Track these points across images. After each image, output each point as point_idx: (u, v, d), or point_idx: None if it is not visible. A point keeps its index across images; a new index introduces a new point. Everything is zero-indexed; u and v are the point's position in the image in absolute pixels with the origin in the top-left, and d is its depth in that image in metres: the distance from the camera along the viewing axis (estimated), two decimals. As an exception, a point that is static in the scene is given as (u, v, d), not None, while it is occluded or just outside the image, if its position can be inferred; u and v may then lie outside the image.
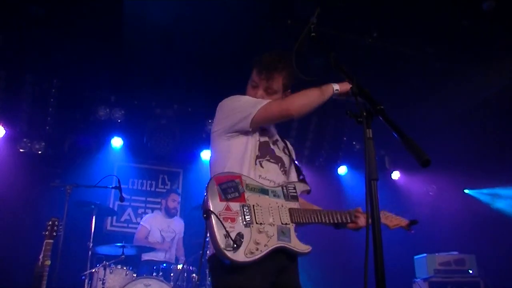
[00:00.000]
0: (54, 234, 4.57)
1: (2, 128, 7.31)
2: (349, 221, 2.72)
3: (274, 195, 2.60)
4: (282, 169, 2.82)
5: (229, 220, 2.35)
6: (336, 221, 2.70)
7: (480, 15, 5.77)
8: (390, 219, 2.88)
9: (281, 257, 2.50)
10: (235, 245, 2.26)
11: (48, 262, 4.45)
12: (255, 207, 2.48)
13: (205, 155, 8.55)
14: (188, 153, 8.64)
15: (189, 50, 6.68)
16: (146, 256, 6.63)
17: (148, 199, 8.53)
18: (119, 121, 7.93)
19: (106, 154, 8.20)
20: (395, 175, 9.37)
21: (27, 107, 7.49)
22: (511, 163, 7.87)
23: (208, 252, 2.65)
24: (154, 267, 6.14)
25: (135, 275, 5.84)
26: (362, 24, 6.18)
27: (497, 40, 6.22)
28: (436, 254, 7.16)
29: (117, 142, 8.18)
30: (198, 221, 6.97)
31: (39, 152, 7.71)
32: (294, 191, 2.70)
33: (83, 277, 5.71)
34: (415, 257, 7.43)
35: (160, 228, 6.91)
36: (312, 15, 2.41)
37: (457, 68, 6.89)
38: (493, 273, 7.18)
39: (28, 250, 5.58)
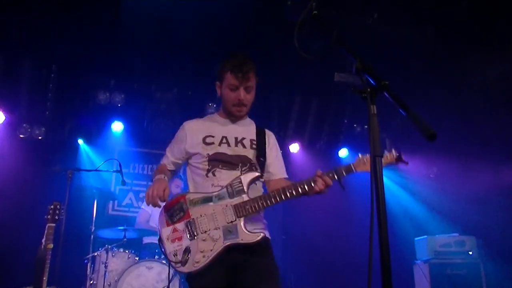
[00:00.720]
0: (56, 218, 4.58)
1: (2, 114, 7.29)
2: (307, 190, 2.76)
3: (219, 199, 2.79)
4: (244, 168, 2.94)
5: (176, 240, 2.75)
6: (291, 196, 2.75)
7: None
8: (368, 163, 2.85)
9: (234, 255, 2.70)
10: (182, 261, 2.66)
11: (51, 246, 4.47)
12: (198, 219, 2.75)
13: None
14: (188, 137, 8.63)
15: (189, 33, 6.64)
16: (147, 239, 6.64)
17: (149, 183, 8.43)
18: (119, 105, 7.91)
19: (107, 139, 8.20)
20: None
21: (27, 93, 7.47)
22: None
23: None
24: (156, 250, 6.15)
25: (137, 258, 5.87)
26: (362, 6, 6.13)
27: (498, 21, 6.17)
28: (437, 236, 7.19)
29: (117, 126, 8.17)
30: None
31: (39, 138, 7.71)
32: (239, 185, 2.82)
33: (85, 261, 5.75)
34: (416, 239, 7.45)
35: (161, 211, 6.92)
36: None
37: (459, 49, 6.85)
38: (493, 255, 7.21)
39: (31, 234, 5.59)
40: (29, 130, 7.66)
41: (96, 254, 5.76)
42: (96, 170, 5.83)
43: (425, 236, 7.23)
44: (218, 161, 2.93)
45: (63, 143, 7.95)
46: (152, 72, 7.67)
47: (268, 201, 2.76)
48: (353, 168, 2.87)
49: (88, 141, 8.07)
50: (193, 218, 2.77)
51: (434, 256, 6.99)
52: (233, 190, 2.80)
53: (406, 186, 8.93)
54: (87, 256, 5.73)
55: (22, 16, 6.32)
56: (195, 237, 2.70)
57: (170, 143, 3.21)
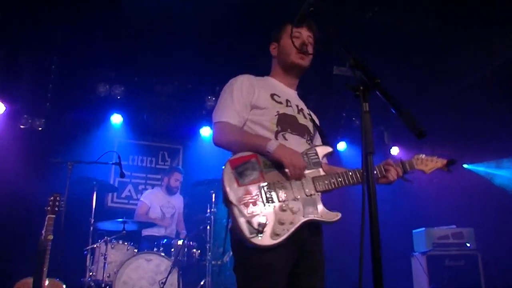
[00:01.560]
0: (56, 209, 4.62)
1: (2, 104, 7.31)
2: (379, 176, 2.66)
3: None
4: (307, 137, 2.72)
5: (250, 205, 2.30)
6: (357, 181, 2.57)
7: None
8: (425, 163, 2.79)
9: (304, 231, 2.41)
10: (259, 231, 2.23)
11: (51, 237, 4.51)
12: (275, 185, 2.40)
13: (205, 131, 8.59)
14: (188, 130, 8.66)
15: (189, 26, 6.63)
16: (146, 232, 6.70)
17: (149, 175, 8.58)
18: (118, 97, 7.92)
19: (106, 131, 8.23)
20: (394, 150, 9.39)
21: (27, 84, 7.48)
22: (509, 138, 7.89)
23: (230, 223, 2.53)
24: (155, 243, 6.21)
25: (136, 250, 5.92)
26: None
27: (499, 14, 6.16)
28: (435, 228, 7.23)
29: (117, 118, 8.19)
30: (198, 197, 7.06)
31: (40, 129, 7.73)
32: (315, 157, 2.58)
33: (85, 252, 5.79)
34: (414, 231, 7.49)
35: (160, 204, 6.96)
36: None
37: (459, 42, 6.84)
38: (490, 246, 7.26)
39: (31, 225, 5.64)
40: (29, 121, 7.67)
41: (95, 246, 5.81)
42: (95, 162, 5.86)
43: (423, 228, 7.28)
44: (287, 123, 2.65)
45: (63, 134, 7.97)
46: (152, 65, 7.66)
47: (346, 180, 2.53)
48: (414, 165, 2.78)
49: (87, 133, 8.09)
50: (269, 183, 2.39)
51: (432, 248, 7.03)
52: (310, 160, 2.53)
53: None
54: (87, 248, 5.77)
55: (24, 8, 6.31)
56: (272, 206, 2.33)
57: (225, 101, 2.68)
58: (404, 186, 8.89)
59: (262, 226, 2.24)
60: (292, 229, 2.30)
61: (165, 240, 6.30)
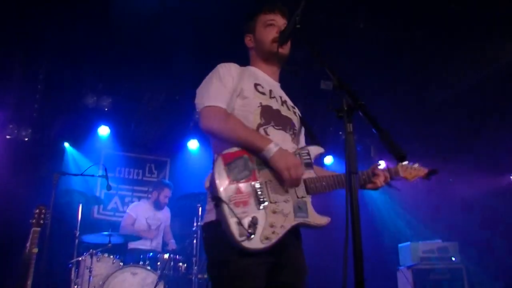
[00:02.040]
0: (41, 222, 4.59)
1: (-12, 114, 7.27)
2: (367, 181, 2.60)
3: None
4: (291, 132, 2.58)
5: (241, 205, 2.13)
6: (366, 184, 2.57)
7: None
8: (409, 171, 2.77)
9: (289, 237, 2.27)
10: (249, 234, 2.07)
11: (36, 250, 4.47)
12: (267, 184, 2.24)
13: (192, 144, 8.59)
14: (175, 142, 8.66)
15: (178, 39, 6.65)
16: (132, 245, 6.65)
17: (135, 187, 8.54)
18: (106, 109, 7.90)
19: (93, 142, 8.18)
20: (381, 164, 9.43)
21: (14, 93, 7.42)
22: (494, 152, 7.99)
23: (205, 218, 2.40)
24: (141, 256, 6.16)
25: (121, 263, 5.87)
26: (351, 9, 6.19)
27: (483, 25, 6.26)
28: (420, 242, 7.28)
29: (104, 130, 8.17)
30: (184, 210, 7.03)
31: (26, 139, 7.67)
32: (308, 157, 2.43)
33: (70, 265, 5.73)
34: (399, 245, 7.55)
35: (146, 216, 6.92)
36: (298, 7, 2.42)
37: (445, 51, 6.93)
38: (475, 260, 7.33)
39: (15, 237, 5.59)
40: (15, 131, 7.61)
41: (80, 258, 5.75)
42: (82, 174, 5.83)
43: (409, 243, 7.33)
44: (271, 116, 2.50)
45: (50, 145, 7.92)
46: (140, 77, 7.66)
47: (337, 184, 2.42)
48: (400, 172, 2.73)
49: (74, 144, 8.05)
50: (261, 182, 2.23)
51: (418, 262, 7.09)
52: (302, 161, 2.38)
53: (390, 193, 9.02)
54: (72, 261, 5.71)
55: (11, 17, 6.29)
56: (264, 207, 2.17)
57: (214, 85, 2.50)
58: (392, 200, 8.94)
59: (253, 229, 2.09)
60: (283, 233, 2.17)
61: (151, 253, 6.25)
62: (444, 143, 8.31)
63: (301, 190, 2.32)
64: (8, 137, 7.57)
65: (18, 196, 6.83)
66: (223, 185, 2.15)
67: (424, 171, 2.79)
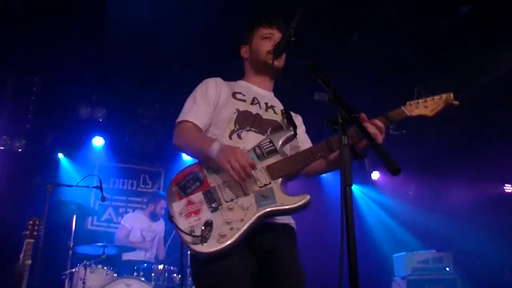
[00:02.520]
0: (35, 233, 4.57)
1: (-18, 125, 7.24)
2: (356, 140, 2.28)
3: None
4: (273, 133, 2.52)
5: (192, 214, 2.19)
6: (335, 148, 2.28)
7: (457, 16, 5.90)
8: (424, 105, 2.37)
9: (267, 235, 2.27)
10: (203, 237, 2.09)
11: (29, 262, 4.44)
12: (221, 187, 2.27)
13: (187, 155, 8.56)
14: (169, 153, 8.63)
15: (172, 50, 6.67)
16: (127, 256, 6.61)
17: (129, 198, 8.51)
18: (100, 120, 7.89)
19: (87, 153, 8.17)
20: (375, 175, 9.48)
21: (8, 104, 7.41)
22: (488, 163, 8.04)
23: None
24: (135, 267, 6.12)
25: (115, 275, 5.82)
26: (343, 26, 6.25)
27: (472, 41, 6.35)
28: (414, 252, 7.29)
29: (98, 141, 8.16)
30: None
31: (19, 150, 7.64)
32: (270, 145, 2.38)
33: (63, 277, 5.68)
34: (394, 255, 7.54)
35: (140, 227, 6.90)
36: (293, 19, 2.43)
37: (434, 68, 7.01)
38: (469, 270, 7.34)
39: (9, 249, 5.54)
40: (9, 142, 7.57)
41: (74, 270, 5.70)
42: (76, 186, 5.81)
43: (403, 253, 7.33)
44: (247, 121, 2.52)
45: (43, 156, 7.89)
46: (135, 88, 7.68)
47: (311, 156, 2.31)
48: (406, 112, 2.39)
49: (68, 155, 8.03)
50: (213, 187, 2.27)
51: (412, 272, 7.08)
52: (262, 151, 2.36)
53: (385, 203, 9.05)
54: (65, 272, 5.66)
55: (5, 28, 6.30)
56: (218, 208, 2.19)
57: (188, 102, 2.62)
58: (386, 210, 8.95)
59: (205, 232, 2.10)
60: (244, 227, 2.12)
61: (145, 264, 6.22)
62: (436, 154, 8.35)
63: (263, 178, 2.27)
64: (1, 148, 7.53)
65: (12, 207, 6.78)
66: (173, 204, 2.27)
67: (447, 96, 2.34)
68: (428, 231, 8.12)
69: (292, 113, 2.73)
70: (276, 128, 2.57)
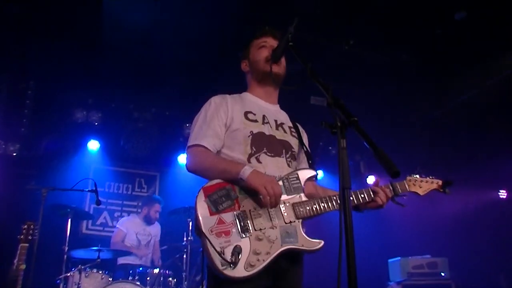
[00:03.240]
0: (29, 237, 4.53)
1: (-24, 129, 7.20)
2: (367, 200, 2.53)
3: None
4: (287, 155, 2.59)
5: (223, 235, 2.19)
6: (353, 203, 2.48)
7: (452, 24, 5.94)
8: (419, 185, 2.68)
9: (281, 261, 2.29)
10: (232, 262, 2.11)
11: (23, 266, 4.41)
12: (251, 212, 2.29)
13: (182, 159, 8.57)
14: (165, 157, 8.64)
15: (167, 54, 6.68)
16: (122, 260, 6.59)
17: (125, 202, 8.49)
18: (96, 123, 7.88)
19: (83, 157, 8.15)
20: (370, 179, 9.49)
21: (3, 108, 7.37)
22: (482, 168, 8.07)
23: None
24: (130, 271, 6.10)
25: (110, 279, 5.79)
26: (340, 31, 6.28)
27: (468, 48, 6.40)
28: (410, 257, 7.29)
29: (93, 145, 8.14)
30: (174, 225, 6.99)
31: (14, 154, 7.60)
32: (297, 181, 2.45)
33: (58, 281, 5.64)
34: (389, 260, 7.54)
35: (136, 231, 6.88)
36: (290, 25, 2.45)
37: (430, 74, 7.05)
38: (464, 275, 7.34)
39: (3, 254, 5.50)
40: (3, 146, 7.54)
41: (69, 274, 5.66)
42: (71, 189, 5.78)
43: (398, 258, 7.33)
44: (263, 144, 2.52)
45: (38, 160, 7.85)
46: (130, 92, 7.67)
47: (330, 205, 2.41)
48: (406, 187, 2.66)
49: (64, 159, 7.99)
50: (244, 211, 2.28)
51: (407, 278, 7.08)
52: (290, 185, 2.42)
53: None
54: (60, 277, 5.62)
55: (0, 32, 6.28)
56: (248, 235, 2.21)
57: (199, 124, 2.59)
58: (381, 215, 8.98)
59: (236, 257, 2.13)
60: (269, 259, 2.19)
61: (141, 268, 6.20)
62: (431, 159, 8.38)
63: (290, 214, 2.34)
64: (-4, 152, 7.50)
65: (6, 212, 6.74)
66: (204, 217, 2.23)
67: (437, 182, 2.72)
68: (423, 236, 8.13)
69: (299, 127, 2.82)
70: (287, 148, 2.62)
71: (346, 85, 6.72)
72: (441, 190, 2.70)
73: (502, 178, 8.57)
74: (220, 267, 2.12)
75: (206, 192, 2.31)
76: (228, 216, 2.25)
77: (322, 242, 2.33)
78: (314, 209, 2.39)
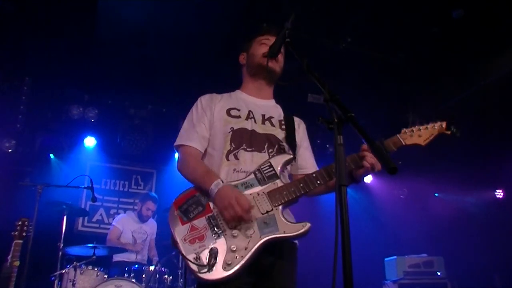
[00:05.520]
0: (24, 234, 4.51)
1: (-29, 125, 7.17)
2: (352, 166, 2.39)
3: (246, 187, 2.34)
4: (270, 149, 2.52)
5: (196, 240, 2.20)
6: (334, 176, 2.33)
7: (450, 22, 5.92)
8: (418, 134, 2.48)
9: (263, 256, 2.24)
10: (209, 265, 2.11)
11: (17, 263, 4.39)
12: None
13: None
14: (161, 154, 8.61)
15: (163, 50, 6.66)
16: (117, 257, 6.57)
17: (121, 199, 8.46)
18: (92, 120, 7.85)
19: (79, 154, 8.13)
20: (368, 178, 9.49)
21: (-2, 105, 7.35)
22: (478, 168, 8.08)
23: None
24: (126, 268, 6.08)
25: (106, 276, 5.77)
26: (336, 30, 6.26)
27: (465, 47, 6.39)
28: (406, 256, 7.30)
29: (90, 141, 8.11)
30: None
31: (10, 151, 7.57)
32: (270, 169, 2.40)
33: (52, 278, 5.62)
34: (385, 259, 7.55)
35: (132, 229, 6.86)
36: (287, 21, 2.43)
37: (427, 73, 7.04)
38: (460, 275, 7.36)
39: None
40: (-1, 142, 7.52)
41: (64, 271, 5.63)
42: (66, 186, 5.75)
43: (395, 257, 7.34)
44: (243, 139, 2.50)
45: (34, 157, 7.83)
46: (126, 88, 7.65)
47: (310, 184, 2.34)
48: (401, 141, 2.49)
49: (59, 156, 7.97)
50: (216, 212, 2.26)
51: (403, 276, 7.09)
52: (263, 175, 2.37)
53: (377, 207, 9.05)
54: (55, 274, 5.60)
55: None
56: (222, 235, 2.20)
57: (186, 124, 2.66)
58: (378, 213, 8.97)
59: (212, 259, 2.12)
60: (248, 255, 2.14)
61: (136, 265, 6.18)
62: (429, 158, 8.38)
63: (264, 205, 2.29)
64: (-9, 148, 7.47)
65: (1, 208, 6.71)
66: (176, 228, 2.26)
67: (441, 125, 2.48)
68: (420, 235, 8.14)
69: (296, 120, 2.77)
70: (273, 141, 2.56)
71: (341, 84, 6.70)
72: (448, 132, 2.44)
73: (498, 178, 8.58)
74: (198, 272, 2.12)
75: (176, 204, 2.35)
76: (200, 222, 2.26)
77: (308, 224, 2.24)
78: (291, 192, 2.32)
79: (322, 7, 5.78)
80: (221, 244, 2.18)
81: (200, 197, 2.34)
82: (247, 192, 2.32)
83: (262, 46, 2.75)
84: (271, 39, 2.71)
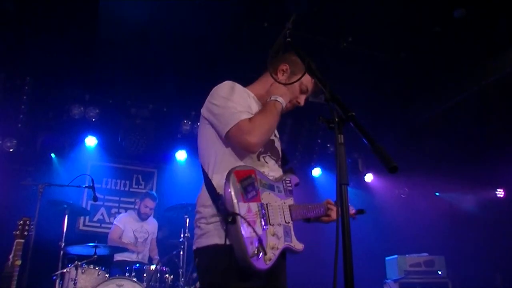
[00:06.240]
0: (25, 233, 4.52)
1: (-28, 125, 7.18)
2: (322, 214, 2.66)
3: (279, 191, 2.35)
4: (279, 162, 2.57)
5: (251, 224, 2.07)
6: (315, 215, 2.62)
7: (451, 22, 5.92)
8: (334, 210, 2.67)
9: (278, 259, 2.22)
10: (259, 252, 2.03)
11: (19, 262, 4.40)
12: (268, 207, 2.22)
13: (180, 155, 8.55)
14: (162, 153, 8.62)
15: (165, 50, 6.67)
16: (118, 257, 6.58)
17: (122, 198, 8.47)
18: (93, 120, 7.85)
19: (80, 153, 8.13)
20: (368, 177, 9.50)
21: (-1, 104, 7.36)
22: (479, 167, 8.07)
23: (198, 243, 2.28)
24: (127, 268, 6.09)
25: (107, 275, 5.79)
26: (337, 29, 6.26)
27: (467, 46, 6.38)
28: (407, 255, 7.30)
29: (91, 141, 8.11)
30: (171, 222, 6.98)
31: (11, 150, 7.58)
32: (290, 185, 2.46)
33: (54, 277, 5.63)
34: (386, 258, 7.55)
35: (133, 228, 6.87)
36: (288, 21, 2.42)
37: (429, 73, 7.04)
38: (461, 274, 7.35)
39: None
40: (0, 142, 7.52)
41: (65, 270, 5.65)
42: (68, 185, 5.77)
43: (396, 256, 7.34)
44: (268, 146, 2.47)
45: (35, 156, 7.84)
46: (128, 88, 7.65)
47: (310, 213, 2.58)
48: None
49: (60, 155, 7.98)
50: (264, 204, 2.21)
51: (404, 276, 7.09)
52: (286, 188, 2.43)
53: (378, 206, 9.05)
54: (56, 273, 5.61)
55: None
56: (267, 228, 2.16)
57: (228, 102, 2.36)
58: (379, 213, 8.96)
59: (261, 247, 2.05)
60: (277, 255, 2.15)
61: (137, 265, 6.18)
62: (429, 158, 8.38)
63: (287, 215, 2.35)
64: (-8, 148, 7.48)
65: (2, 207, 6.73)
66: (240, 203, 2.08)
67: (352, 210, 2.85)
68: (421, 234, 8.13)
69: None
70: (280, 157, 2.59)
71: (343, 84, 6.70)
72: (353, 217, 2.83)
73: (500, 177, 8.57)
74: (250, 255, 2.00)
75: (238, 176, 2.14)
76: (254, 206, 2.14)
77: (303, 246, 2.40)
78: (302, 214, 2.50)
79: (323, 5, 5.77)
80: (264, 237, 2.11)
81: (255, 181, 2.20)
82: (278, 197, 2.33)
83: (303, 96, 2.67)
84: (310, 89, 2.68)
